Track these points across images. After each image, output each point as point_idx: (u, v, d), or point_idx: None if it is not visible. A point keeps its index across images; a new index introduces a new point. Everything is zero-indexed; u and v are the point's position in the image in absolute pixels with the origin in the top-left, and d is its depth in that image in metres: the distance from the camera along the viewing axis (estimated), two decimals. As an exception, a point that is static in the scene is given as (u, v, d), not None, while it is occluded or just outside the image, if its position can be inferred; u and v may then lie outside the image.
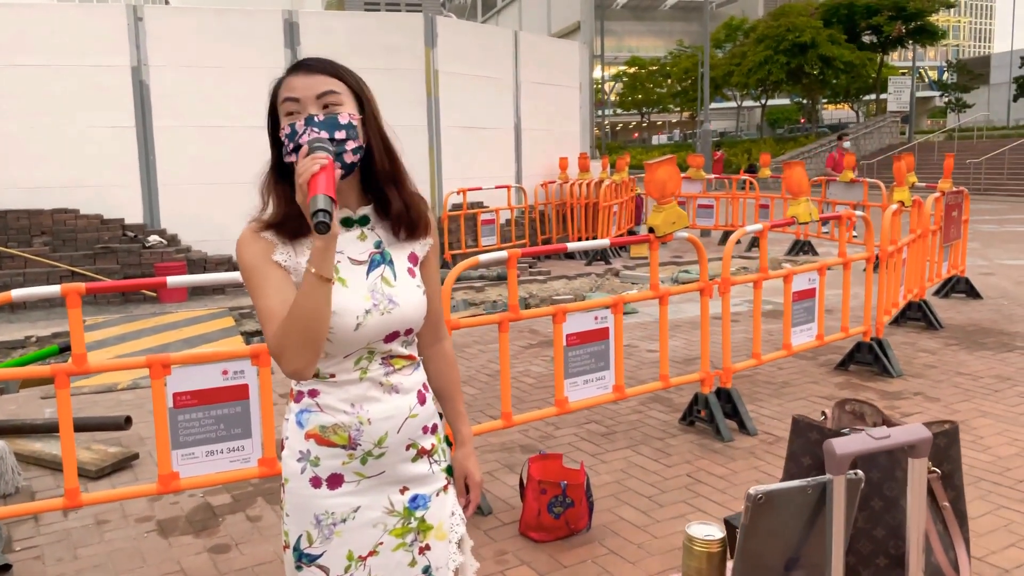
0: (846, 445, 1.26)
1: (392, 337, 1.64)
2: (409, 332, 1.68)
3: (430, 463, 1.71)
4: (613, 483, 4.14)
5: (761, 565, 1.38)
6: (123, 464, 4.51)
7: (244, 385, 3.47)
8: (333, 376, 1.63)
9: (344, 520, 1.63)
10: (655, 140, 67.24)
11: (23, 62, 10.32)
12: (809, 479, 1.28)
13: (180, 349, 7.11)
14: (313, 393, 1.64)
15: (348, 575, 1.64)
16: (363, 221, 1.67)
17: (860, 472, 1.30)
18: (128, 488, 3.78)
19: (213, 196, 11.15)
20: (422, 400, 1.70)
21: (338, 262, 1.62)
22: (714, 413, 4.74)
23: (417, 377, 1.71)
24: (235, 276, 3.65)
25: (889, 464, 1.53)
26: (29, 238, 10.22)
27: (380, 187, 1.65)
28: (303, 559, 1.65)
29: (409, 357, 1.70)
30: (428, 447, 1.71)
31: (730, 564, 1.58)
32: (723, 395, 4.86)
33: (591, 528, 3.62)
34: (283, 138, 1.57)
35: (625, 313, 8.02)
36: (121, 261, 10.24)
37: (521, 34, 15.30)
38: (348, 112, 1.58)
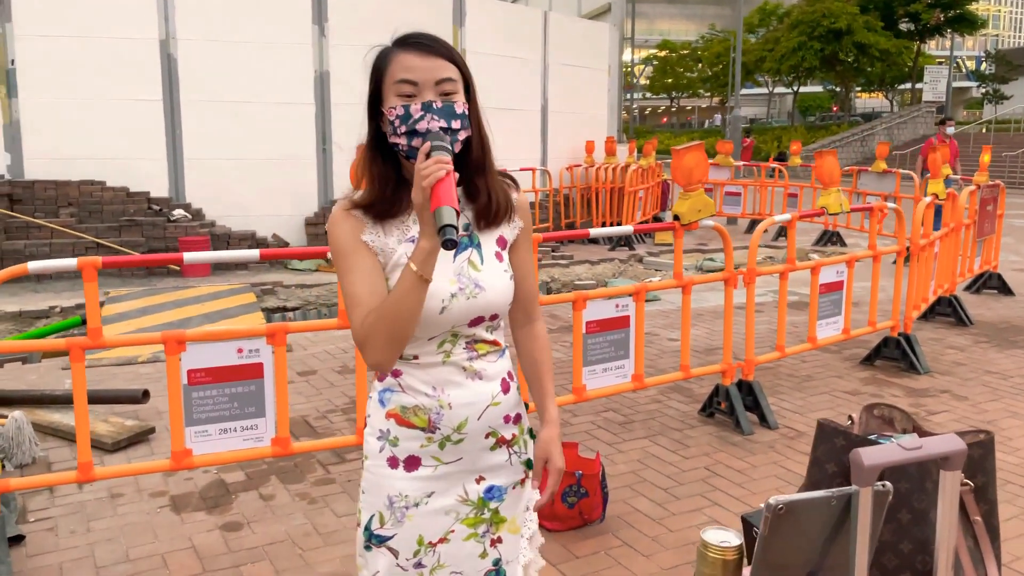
0: (875, 456, 1.19)
1: (477, 322, 1.61)
2: (495, 318, 1.65)
3: (509, 453, 1.68)
4: (629, 473, 4.08)
5: (779, 576, 1.32)
6: (139, 437, 4.52)
7: (259, 364, 3.44)
8: (416, 358, 1.61)
9: (417, 504, 1.61)
10: (707, 124, 66.25)
11: (52, 33, 10.34)
12: (833, 490, 1.21)
13: (201, 324, 7.13)
14: (396, 373, 1.63)
15: (417, 559, 1.62)
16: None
17: (888, 484, 1.23)
18: (141, 464, 3.78)
19: (238, 172, 11.16)
20: (506, 388, 1.67)
21: None
22: (734, 405, 4.66)
23: (502, 365, 1.68)
24: (253, 254, 3.62)
25: (919, 475, 1.46)
26: (56, 209, 10.28)
27: (471, 175, 1.62)
28: (373, 539, 1.64)
29: (494, 343, 1.67)
30: (508, 437, 1.68)
31: (746, 572, 1.52)
32: (744, 387, 4.78)
33: (605, 519, 3.57)
34: (393, 118, 1.52)
35: (648, 300, 7.94)
36: (146, 234, 10.28)
37: (551, 14, 15.13)
38: (462, 101, 1.55)
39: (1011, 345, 6.52)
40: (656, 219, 14.34)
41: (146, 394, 4.77)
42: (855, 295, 5.98)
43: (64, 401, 4.76)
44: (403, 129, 1.52)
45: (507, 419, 1.67)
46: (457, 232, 1.39)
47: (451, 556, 1.63)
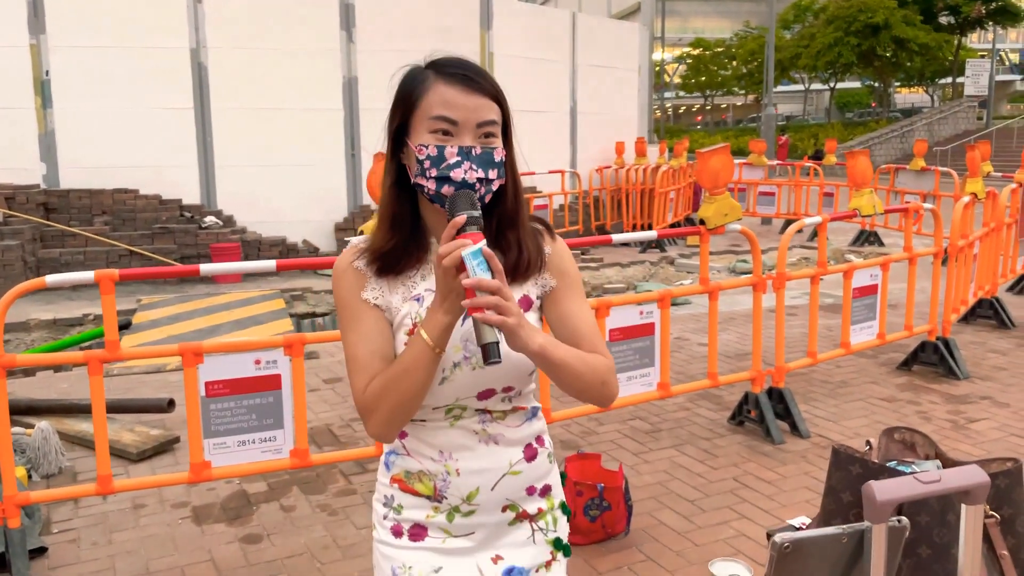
0: (888, 490, 1.11)
1: (487, 395, 1.43)
2: (509, 390, 1.45)
3: (532, 530, 1.49)
4: (655, 484, 3.99)
5: (791, 613, 1.24)
6: (164, 447, 4.54)
7: (277, 375, 3.42)
8: (423, 421, 1.45)
9: None
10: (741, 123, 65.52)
11: (85, 43, 10.51)
12: (844, 527, 1.13)
13: (231, 330, 7.17)
14: (402, 435, 1.48)
15: None
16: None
17: (905, 519, 1.14)
18: (161, 476, 3.79)
19: (269, 178, 11.25)
20: (531, 456, 1.47)
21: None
22: (764, 414, 4.55)
23: (527, 429, 1.48)
24: (268, 264, 3.60)
25: (940, 507, 1.37)
26: (90, 217, 10.44)
27: (502, 227, 1.44)
28: None
29: (517, 409, 1.48)
30: (533, 512, 1.49)
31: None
32: (775, 395, 4.66)
33: (629, 532, 3.48)
34: (423, 157, 1.34)
35: (677, 304, 7.82)
36: (178, 241, 10.40)
37: (579, 16, 15.03)
38: (501, 147, 1.39)
39: (1056, 348, 6.30)
40: (688, 220, 14.17)
41: (171, 403, 4.79)
42: (891, 297, 5.81)
43: (90, 410, 4.79)
44: (433, 173, 1.34)
45: (531, 491, 1.49)
46: (499, 349, 1.25)
47: None
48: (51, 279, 3.12)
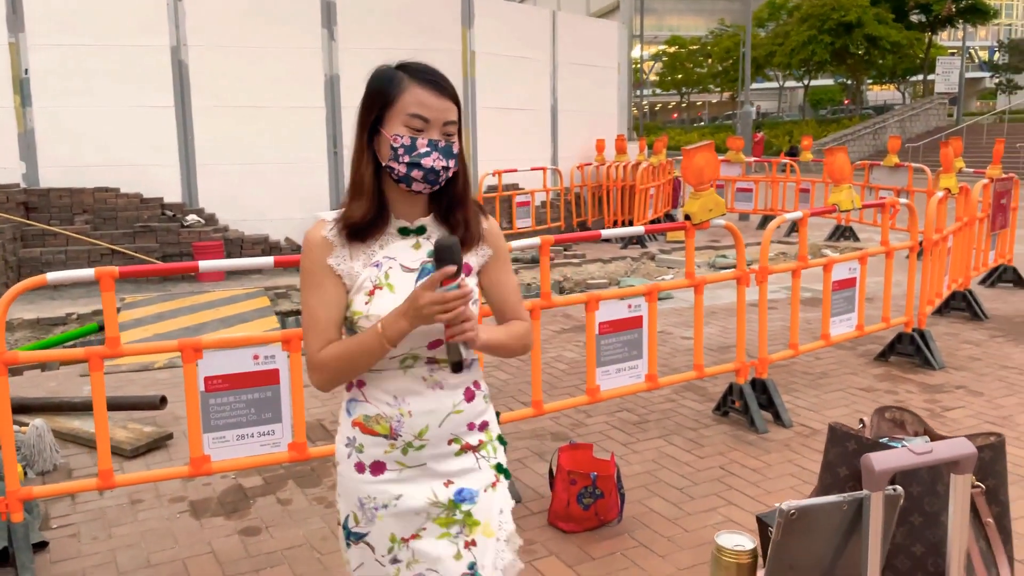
0: (885, 460, 1.20)
1: (436, 344, 1.68)
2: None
3: (476, 458, 1.76)
4: (644, 474, 4.10)
5: (793, 579, 1.33)
6: (158, 444, 4.57)
7: (275, 370, 3.47)
8: (377, 370, 1.70)
9: (385, 506, 1.70)
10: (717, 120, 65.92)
11: (64, 42, 10.44)
12: (845, 495, 1.22)
13: (216, 329, 7.19)
14: (360, 384, 1.73)
15: (392, 555, 1.71)
16: (420, 231, 1.74)
17: (899, 488, 1.24)
18: (160, 470, 3.83)
19: (251, 176, 11.23)
20: (470, 397, 1.75)
21: (389, 268, 1.70)
22: (749, 404, 4.67)
23: (466, 376, 1.75)
24: (267, 261, 3.66)
25: (930, 478, 1.47)
26: (71, 216, 10.38)
27: (450, 206, 1.73)
28: (351, 537, 1.75)
29: (464, 366, 1.71)
30: (475, 443, 1.76)
31: (760, 574, 1.53)
32: (759, 386, 4.78)
33: (621, 520, 3.58)
34: (397, 146, 1.63)
35: (660, 298, 7.93)
36: (160, 240, 10.37)
37: (559, 14, 15.12)
38: (457, 141, 1.69)
39: (1027, 339, 6.48)
40: (668, 216, 14.32)
41: (164, 400, 4.82)
42: (869, 291, 5.96)
43: (83, 408, 4.81)
44: (406, 159, 1.63)
45: (471, 426, 1.75)
46: (462, 365, 1.63)
47: (425, 554, 1.70)
48: (52, 276, 3.16)
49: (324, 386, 1.69)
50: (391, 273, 1.69)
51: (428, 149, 1.62)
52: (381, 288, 1.67)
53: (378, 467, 1.71)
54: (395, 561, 1.71)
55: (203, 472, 3.41)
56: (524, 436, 4.61)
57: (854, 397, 5.18)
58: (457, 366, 1.62)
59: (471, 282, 1.74)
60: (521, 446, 4.47)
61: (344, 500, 1.76)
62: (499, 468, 1.80)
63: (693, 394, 5.27)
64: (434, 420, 1.69)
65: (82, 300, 8.98)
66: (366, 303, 1.67)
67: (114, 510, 3.82)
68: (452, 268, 1.54)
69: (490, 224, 1.81)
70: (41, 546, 3.44)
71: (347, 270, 1.69)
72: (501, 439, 1.84)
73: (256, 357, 3.45)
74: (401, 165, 1.63)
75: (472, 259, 1.77)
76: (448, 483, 1.72)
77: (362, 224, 1.68)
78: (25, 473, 4.15)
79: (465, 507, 1.71)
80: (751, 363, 4.80)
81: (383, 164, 1.67)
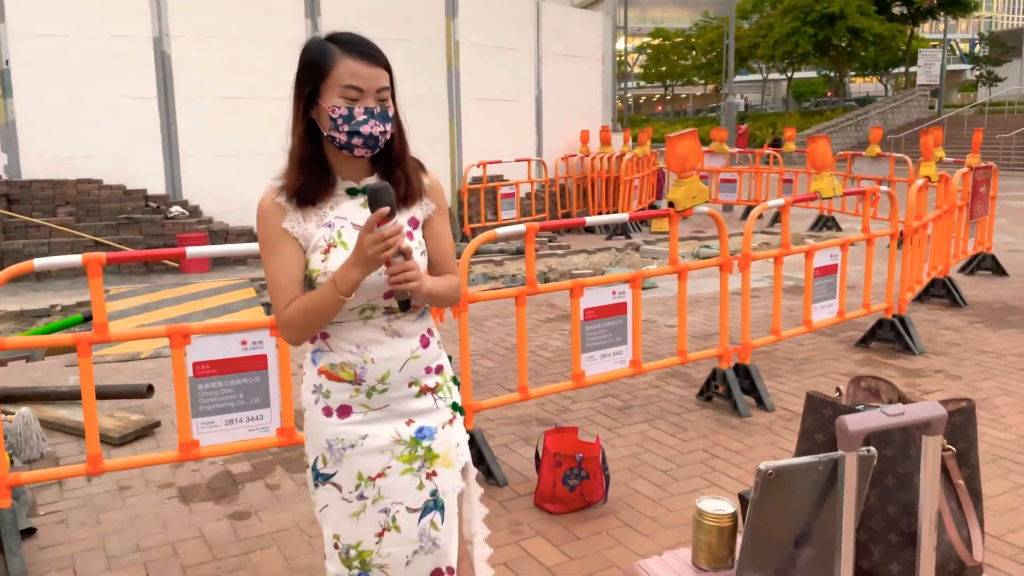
0: (859, 422, 1.25)
1: (390, 295, 1.81)
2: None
3: (434, 399, 1.90)
4: (629, 457, 4.15)
5: (771, 540, 1.38)
6: (145, 432, 4.58)
7: (263, 355, 3.49)
8: (340, 322, 1.82)
9: (353, 445, 1.83)
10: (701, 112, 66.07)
11: (46, 33, 10.36)
12: (821, 455, 1.27)
13: (201, 319, 7.18)
14: (324, 336, 1.85)
15: (359, 492, 1.84)
16: (366, 190, 1.81)
17: (873, 449, 1.29)
18: (150, 455, 3.84)
19: (234, 167, 11.19)
20: (425, 344, 1.89)
21: (342, 227, 1.81)
22: (732, 389, 4.73)
23: (421, 324, 1.89)
24: (255, 247, 3.67)
25: (903, 441, 1.52)
26: (54, 208, 10.32)
27: (389, 165, 1.85)
28: (319, 478, 1.87)
29: (412, 308, 1.85)
30: (432, 385, 1.90)
31: (740, 539, 1.58)
32: (741, 371, 4.84)
33: (607, 501, 3.63)
34: (336, 116, 1.73)
35: (644, 288, 7.99)
36: (144, 231, 10.33)
37: (544, 4, 15.13)
38: (391, 105, 1.78)
39: (1004, 325, 6.59)
40: (652, 207, 14.39)
41: (151, 389, 4.83)
42: (850, 278, 6.04)
43: (69, 397, 4.81)
44: (345, 128, 1.74)
45: (428, 370, 1.90)
46: (409, 304, 1.77)
47: (390, 489, 1.84)
48: (39, 262, 3.16)
49: (295, 340, 1.81)
50: (343, 232, 1.80)
51: (365, 117, 1.73)
52: (336, 246, 1.78)
53: (344, 410, 1.83)
54: (361, 498, 1.84)
55: (192, 457, 3.42)
56: (510, 421, 4.66)
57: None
58: (405, 304, 1.76)
59: (417, 235, 1.87)
60: (507, 431, 4.51)
61: (312, 443, 1.88)
62: (454, 407, 1.96)
63: (677, 380, 5.33)
64: (395, 366, 1.83)
65: (65, 292, 8.95)
66: (322, 261, 1.78)
67: (102, 496, 3.83)
68: (386, 208, 1.65)
69: (431, 179, 1.94)
70: (29, 532, 3.45)
71: (301, 232, 1.80)
72: (455, 380, 2.00)
73: (244, 343, 3.47)
74: (341, 134, 1.74)
75: (417, 212, 1.89)
76: (409, 422, 1.86)
77: (309, 191, 1.80)
78: (12, 461, 4.15)
79: (425, 443, 1.86)
80: (734, 349, 4.86)
81: (324, 133, 1.78)
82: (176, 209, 10.74)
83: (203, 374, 3.40)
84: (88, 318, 7.78)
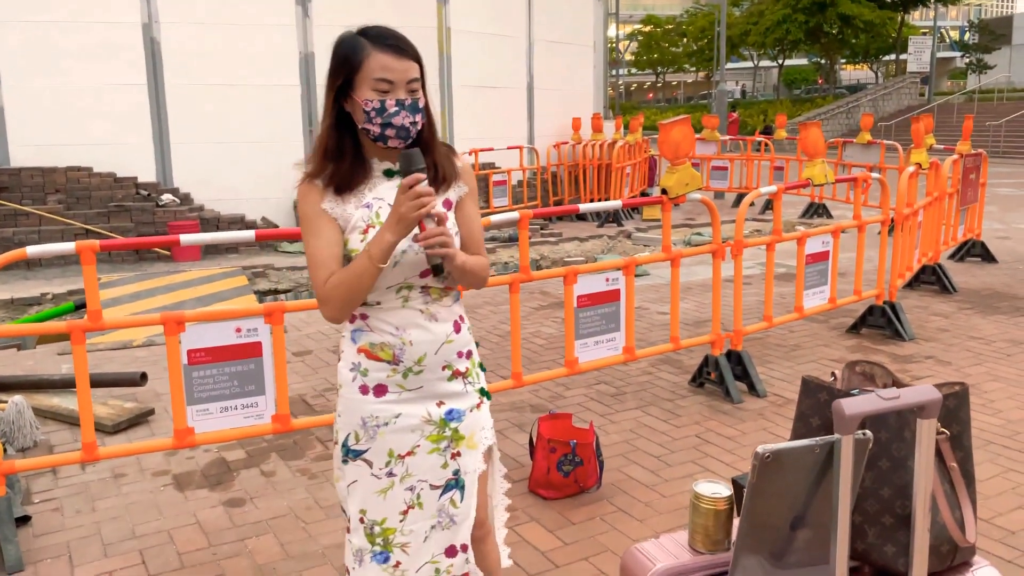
0: (855, 405, 1.27)
1: (427, 273, 1.88)
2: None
3: (464, 383, 1.99)
4: (622, 443, 4.17)
5: (767, 524, 1.40)
6: (139, 419, 4.58)
7: (257, 343, 3.49)
8: (379, 303, 1.90)
9: (386, 423, 1.91)
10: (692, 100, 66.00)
11: (34, 18, 10.27)
12: (817, 439, 1.28)
13: (194, 307, 7.16)
14: (364, 316, 1.92)
15: (388, 468, 1.93)
16: (399, 157, 1.85)
17: (868, 432, 1.30)
18: (144, 442, 3.85)
19: (225, 155, 11.14)
20: (457, 329, 1.96)
21: (379, 208, 1.87)
22: (724, 375, 4.75)
23: (455, 309, 1.97)
24: (248, 235, 3.67)
25: (898, 425, 1.54)
26: (43, 196, 10.26)
27: (423, 152, 1.87)
28: (349, 454, 1.95)
29: (446, 288, 1.95)
30: (463, 369, 1.98)
31: (736, 522, 1.60)
32: (734, 357, 4.87)
33: (600, 486, 3.66)
34: (369, 109, 1.79)
35: (637, 275, 8.02)
36: (135, 219, 10.28)
37: (535, -9, 15.07)
38: (422, 96, 1.85)
39: (994, 311, 6.64)
40: (644, 195, 14.40)
41: (144, 376, 4.81)
42: (841, 265, 6.08)
43: (63, 385, 4.80)
44: (378, 120, 1.80)
45: (460, 354, 1.97)
46: (443, 267, 1.83)
47: (417, 467, 1.93)
48: (32, 250, 3.15)
49: (335, 316, 1.85)
50: (381, 212, 1.86)
51: (397, 108, 1.79)
52: (374, 226, 1.84)
53: (381, 389, 1.91)
54: (391, 475, 1.92)
55: (187, 444, 3.43)
56: (504, 408, 4.68)
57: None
58: (438, 268, 1.82)
59: (451, 216, 1.92)
60: (501, 417, 4.53)
61: (345, 419, 1.95)
62: (482, 391, 2.04)
63: (669, 367, 5.36)
64: (431, 349, 1.90)
65: (56, 280, 8.91)
66: (361, 240, 1.85)
67: (97, 484, 3.83)
68: (421, 175, 1.73)
69: (463, 164, 2.00)
70: (24, 520, 3.45)
71: (340, 213, 1.87)
72: (482, 366, 2.08)
73: (239, 330, 3.46)
74: (375, 126, 1.81)
75: (452, 194, 1.96)
76: (440, 403, 1.94)
77: (345, 180, 1.86)
78: (5, 450, 4.14)
79: (453, 424, 1.95)
80: (726, 335, 4.88)
81: (359, 126, 1.84)
82: (167, 197, 10.69)
83: (198, 361, 3.40)
84: (80, 306, 7.75)
